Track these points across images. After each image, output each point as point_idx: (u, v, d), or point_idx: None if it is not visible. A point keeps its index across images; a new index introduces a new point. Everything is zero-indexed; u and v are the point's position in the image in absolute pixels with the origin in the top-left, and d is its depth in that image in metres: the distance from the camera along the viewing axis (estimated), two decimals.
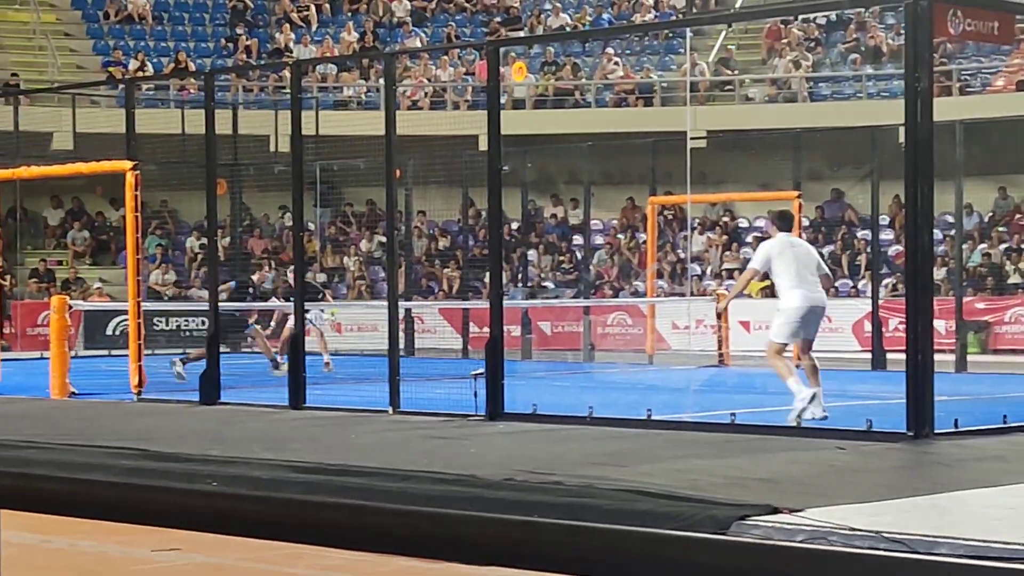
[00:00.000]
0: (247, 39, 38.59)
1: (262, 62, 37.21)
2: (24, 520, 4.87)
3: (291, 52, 37.28)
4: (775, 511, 8.94)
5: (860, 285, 31.05)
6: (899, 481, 11.18)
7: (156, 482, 10.31)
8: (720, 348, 25.54)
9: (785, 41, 36.64)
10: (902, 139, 13.66)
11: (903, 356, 13.40)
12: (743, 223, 34.82)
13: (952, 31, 14.08)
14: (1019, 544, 7.98)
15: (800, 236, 26.22)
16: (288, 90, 20.14)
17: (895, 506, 9.49)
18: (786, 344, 15.99)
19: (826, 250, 33.00)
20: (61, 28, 39.12)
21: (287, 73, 23.13)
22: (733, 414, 14.78)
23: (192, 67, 36.66)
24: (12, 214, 31.37)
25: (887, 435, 13.04)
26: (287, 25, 38.99)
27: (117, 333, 29.41)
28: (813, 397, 15.06)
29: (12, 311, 29.91)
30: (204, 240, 29.42)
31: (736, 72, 36.59)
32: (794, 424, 14.56)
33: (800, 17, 35.57)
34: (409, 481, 10.63)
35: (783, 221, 16.63)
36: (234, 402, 17.83)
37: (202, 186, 19.29)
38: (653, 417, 14.94)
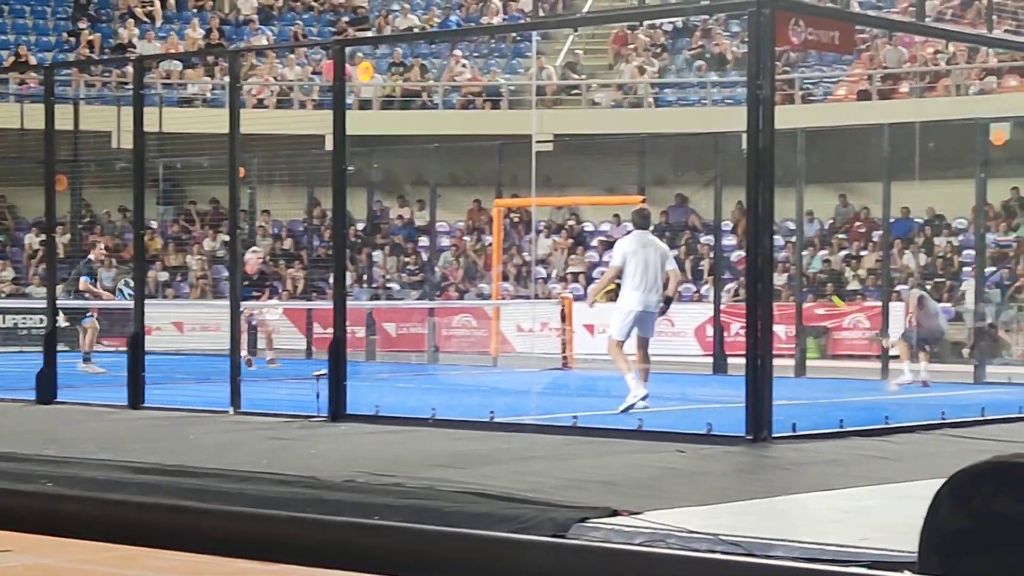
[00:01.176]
0: (90, 33, 38.04)
1: (105, 57, 36.70)
2: None
3: (135, 48, 36.80)
4: (615, 513, 8.99)
5: (703, 290, 31.36)
6: (737, 484, 11.30)
7: None
8: (564, 351, 25.66)
9: (631, 47, 36.90)
10: (744, 145, 13.81)
11: (744, 360, 13.55)
12: (588, 227, 35.00)
13: (794, 40, 14.27)
14: (853, 547, 8.09)
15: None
16: (131, 86, 19.88)
17: (733, 509, 9.58)
18: (623, 340, 16.78)
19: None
20: None
21: (130, 69, 22.81)
22: (575, 417, 14.85)
23: (33, 61, 36.05)
24: None
25: (727, 438, 13.17)
26: (131, 20, 38.50)
27: None
28: (646, 397, 15.99)
29: None
30: (43, 237, 28.96)
31: (583, 76, 36.78)
32: (620, 412, 15.48)
33: (646, 23, 35.86)
34: (248, 482, 10.54)
35: (642, 219, 17.64)
36: (71, 401, 17.56)
37: (41, 182, 18.98)
38: (496, 419, 14.97)
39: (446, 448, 12.80)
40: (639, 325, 16.81)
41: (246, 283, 24.20)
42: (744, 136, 13.73)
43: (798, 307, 25.41)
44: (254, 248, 26.07)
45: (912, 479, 10.60)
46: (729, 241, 30.78)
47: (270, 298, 25.67)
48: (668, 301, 17.22)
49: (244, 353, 22.69)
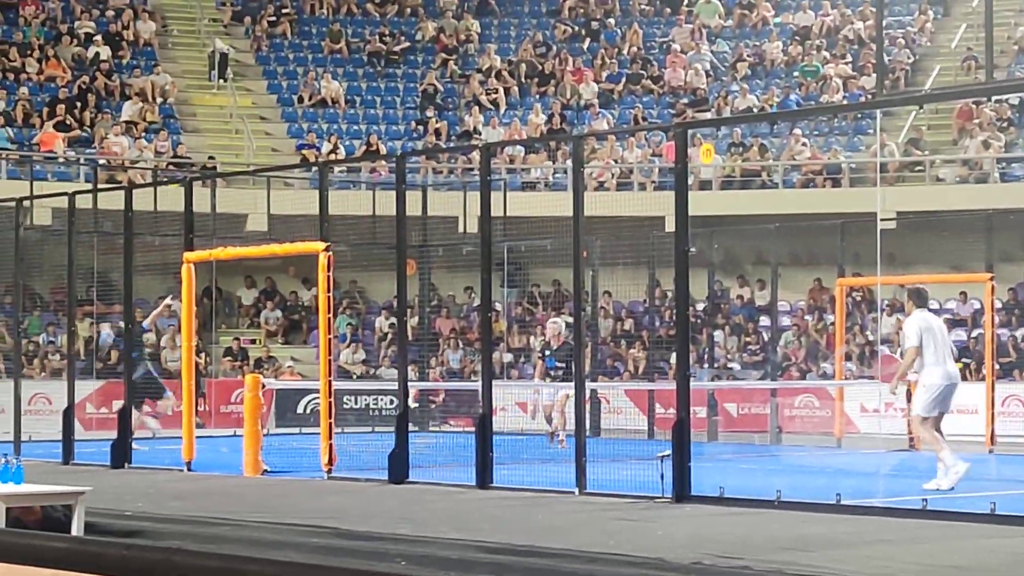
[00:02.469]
0: (437, 122, 39.12)
1: (451, 144, 37.67)
2: None
3: (480, 134, 37.70)
4: None
5: None
6: None
7: (346, 562, 10.46)
8: (910, 432, 25.17)
9: (976, 121, 36.20)
10: None
11: None
12: (934, 305, 34.34)
13: None
14: None
15: (993, 319, 25.87)
16: (477, 171, 20.38)
17: None
18: (928, 418, 17.14)
19: (1019, 333, 32.40)
20: (256, 112, 40.02)
21: (476, 155, 23.40)
22: (925, 499, 14.57)
23: (383, 150, 37.26)
24: (208, 294, 32.03)
25: None
26: (476, 108, 39.46)
27: (308, 411, 29.86)
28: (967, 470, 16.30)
29: (207, 389, 30.49)
30: (393, 320, 29.79)
31: (926, 153, 36.22)
32: (934, 488, 15.78)
33: (993, 98, 35.16)
34: (596, 563, 10.64)
35: (920, 298, 17.91)
36: (422, 481, 17.96)
37: (392, 267, 19.55)
38: (842, 502, 14.77)
39: (793, 531, 12.70)
40: (942, 400, 17.16)
41: (548, 353, 24.42)
42: None
43: None
44: (553, 320, 26.28)
45: None
46: None
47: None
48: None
49: (552, 428, 22.96)
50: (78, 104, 37.40)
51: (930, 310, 18.22)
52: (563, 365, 24.65)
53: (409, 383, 20.88)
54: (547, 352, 24.54)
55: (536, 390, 24.94)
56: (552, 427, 24.43)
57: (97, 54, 39.28)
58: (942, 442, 16.84)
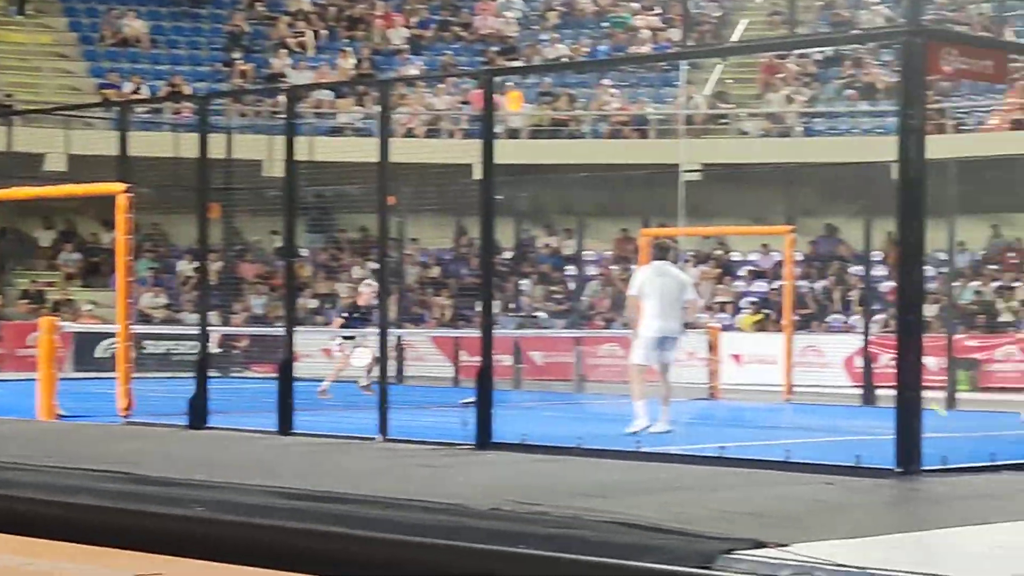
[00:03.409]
0: (243, 64, 38.62)
1: (258, 87, 37.23)
2: (7, 542, 4.84)
3: (287, 78, 37.30)
4: (761, 545, 8.91)
5: (851, 321, 31.06)
6: (886, 517, 11.16)
7: (141, 506, 10.28)
8: (711, 381, 25.54)
9: (781, 76, 36.71)
10: (895, 175, 13.66)
11: (893, 392, 13.39)
12: (736, 256, 34.83)
13: (947, 69, 14.10)
14: None
15: (793, 271, 26.29)
16: (283, 115, 20.14)
17: (882, 542, 9.47)
18: (643, 365, 17.76)
19: (818, 285, 33.02)
20: (56, 50, 39.15)
21: (282, 98, 23.13)
22: (722, 447, 14.76)
23: (187, 91, 36.68)
24: (3, 234, 31.35)
25: (875, 471, 13.01)
26: (283, 51, 39.03)
27: (106, 356, 29.38)
28: (646, 428, 16.97)
29: (2, 331, 29.87)
30: (196, 264, 29.41)
31: (732, 106, 36.65)
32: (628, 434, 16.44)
33: (797, 52, 35.67)
34: (395, 509, 10.59)
35: (659, 251, 18.90)
36: (222, 427, 17.77)
37: (195, 210, 19.27)
38: (642, 449, 14.92)
39: (592, 477, 12.78)
40: (659, 351, 17.72)
41: (356, 315, 24.38)
42: (895, 166, 13.59)
43: (949, 339, 25.09)
44: (368, 281, 26.26)
45: None
46: (879, 272, 30.44)
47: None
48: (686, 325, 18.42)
49: (325, 384, 22.93)
50: None
51: (674, 264, 18.94)
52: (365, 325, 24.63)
53: (211, 328, 20.65)
54: (355, 314, 24.44)
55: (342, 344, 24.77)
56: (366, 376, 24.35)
57: None
58: (644, 393, 17.52)
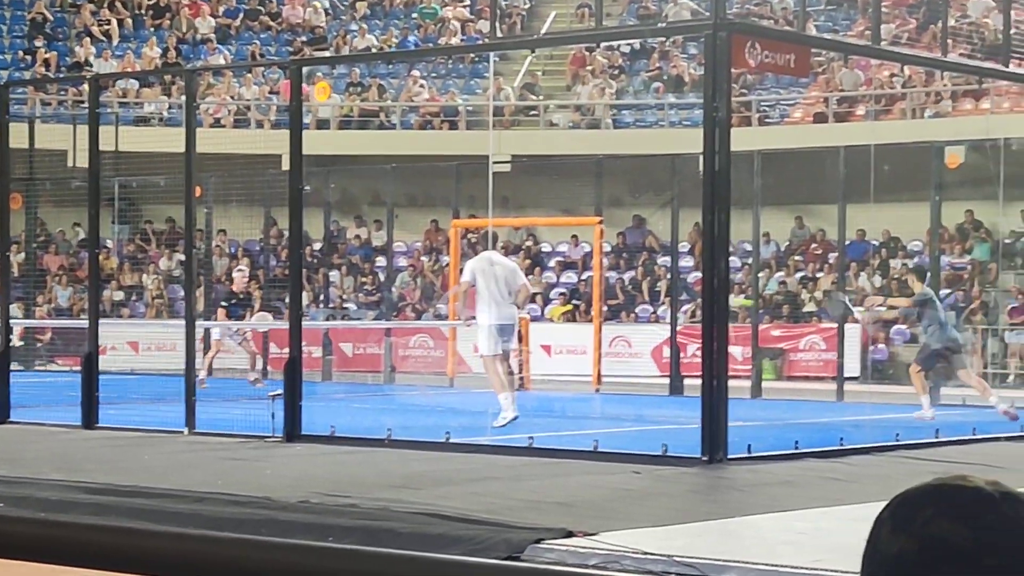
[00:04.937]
0: (46, 52, 37.90)
1: (61, 75, 36.56)
2: None
3: (91, 66, 36.68)
4: (570, 535, 8.98)
5: (660, 311, 31.41)
6: (692, 505, 11.31)
7: None
8: (521, 371, 25.65)
9: (589, 68, 36.99)
10: (701, 167, 13.85)
11: (700, 382, 13.57)
12: (546, 247, 35.03)
13: (751, 62, 14.32)
14: (806, 568, 8.11)
15: (601, 261, 26.54)
16: (87, 105, 19.82)
17: (688, 530, 9.59)
18: (496, 356, 17.68)
19: (627, 276, 33.33)
20: None
21: (86, 87, 22.75)
22: (531, 438, 14.85)
23: None
24: None
25: (682, 460, 13.19)
26: (87, 39, 38.37)
27: None
28: (515, 419, 16.93)
29: None
30: None
31: (541, 97, 36.85)
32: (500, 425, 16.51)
33: (604, 45, 35.95)
34: (202, 503, 10.49)
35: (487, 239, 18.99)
36: (25, 421, 17.45)
37: None
38: (452, 440, 14.96)
39: (401, 469, 12.78)
40: (501, 337, 17.81)
41: (233, 301, 24.21)
42: (701, 158, 13.77)
43: (754, 329, 25.51)
44: (240, 267, 26.16)
45: (867, 501, 10.63)
46: (686, 263, 30.84)
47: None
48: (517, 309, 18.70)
49: (203, 375, 22.70)
50: None
51: (507, 254, 19.18)
52: (243, 313, 24.54)
53: (14, 321, 20.25)
54: (232, 300, 24.31)
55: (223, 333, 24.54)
56: (253, 371, 24.33)
57: None
58: (506, 383, 17.49)
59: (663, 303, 31.29)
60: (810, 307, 31.03)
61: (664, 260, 31.69)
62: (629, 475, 12.38)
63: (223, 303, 24.69)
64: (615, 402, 22.54)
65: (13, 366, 18.60)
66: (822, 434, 15.84)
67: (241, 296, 24.43)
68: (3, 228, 18.80)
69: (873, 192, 23.32)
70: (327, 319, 30.84)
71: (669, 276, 29.42)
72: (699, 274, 25.50)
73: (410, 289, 33.78)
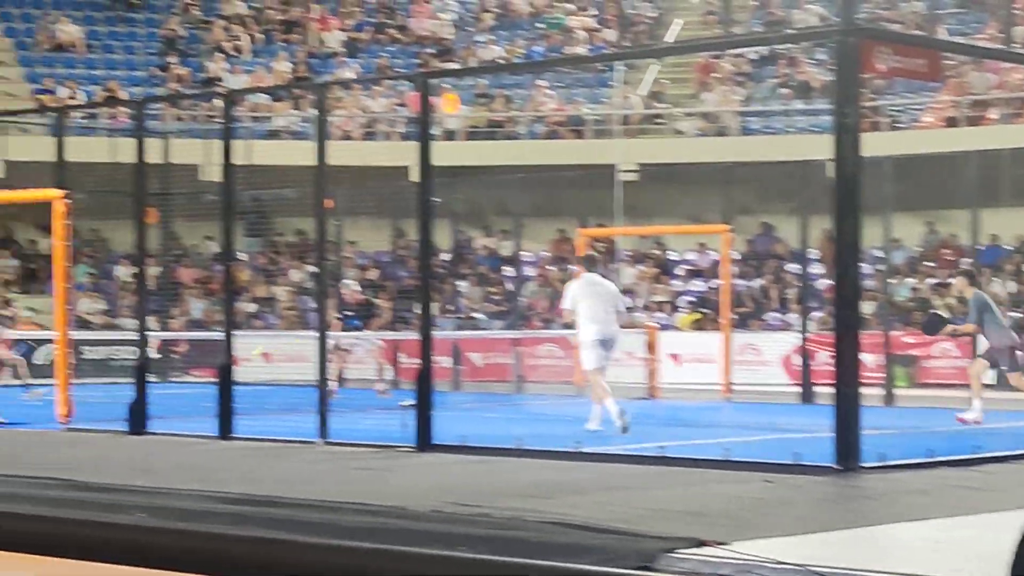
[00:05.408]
0: (179, 68, 38.46)
1: (194, 91, 37.08)
2: None
3: (223, 82, 37.17)
4: (701, 544, 8.96)
5: (789, 318, 31.21)
6: (826, 514, 11.24)
7: (81, 513, 10.23)
8: (649, 380, 25.61)
9: (716, 75, 36.86)
10: (831, 173, 13.76)
11: (831, 389, 13.48)
12: (673, 256, 34.95)
13: (880, 67, 14.21)
14: None
15: (730, 269, 26.43)
16: (219, 119, 20.09)
17: (822, 539, 9.53)
18: (601, 368, 18.31)
19: (755, 283, 33.17)
20: None
21: (219, 102, 23.06)
22: (662, 447, 14.82)
23: (123, 95, 36.49)
24: None
25: (814, 468, 13.10)
26: (219, 55, 38.89)
27: (47, 363, 29.15)
28: (601, 432, 17.30)
29: None
30: (134, 269, 29.25)
31: (667, 105, 36.77)
32: (592, 430, 17.30)
33: (731, 52, 35.82)
34: (336, 512, 10.59)
35: (588, 263, 19.55)
36: (163, 432, 17.71)
37: (132, 215, 19.19)
38: (581, 449, 14.96)
39: (532, 478, 12.81)
40: (604, 352, 18.39)
41: (349, 313, 24.47)
42: (830, 164, 13.68)
43: (886, 336, 25.25)
44: (345, 281, 26.46)
45: (1004, 509, 10.51)
46: (816, 269, 30.63)
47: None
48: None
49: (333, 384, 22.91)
50: None
51: (600, 273, 19.66)
52: (361, 324, 24.91)
53: (150, 333, 20.56)
54: (347, 312, 24.69)
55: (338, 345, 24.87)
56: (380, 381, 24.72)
57: None
58: (608, 394, 17.94)
59: (792, 310, 31.10)
60: (943, 313, 30.67)
61: (793, 267, 31.49)
62: (761, 484, 12.32)
63: (337, 315, 24.92)
64: (745, 410, 22.43)
65: (150, 378, 18.88)
66: (957, 442, 15.66)
67: (357, 307, 24.62)
68: (140, 242, 19.10)
69: (1007, 196, 23.10)
70: (456, 329, 30.99)
71: (798, 283, 29.22)
72: (829, 281, 25.33)
73: (538, 299, 33.85)
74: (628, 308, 32.40)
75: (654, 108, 36.60)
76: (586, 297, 18.39)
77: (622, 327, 19.53)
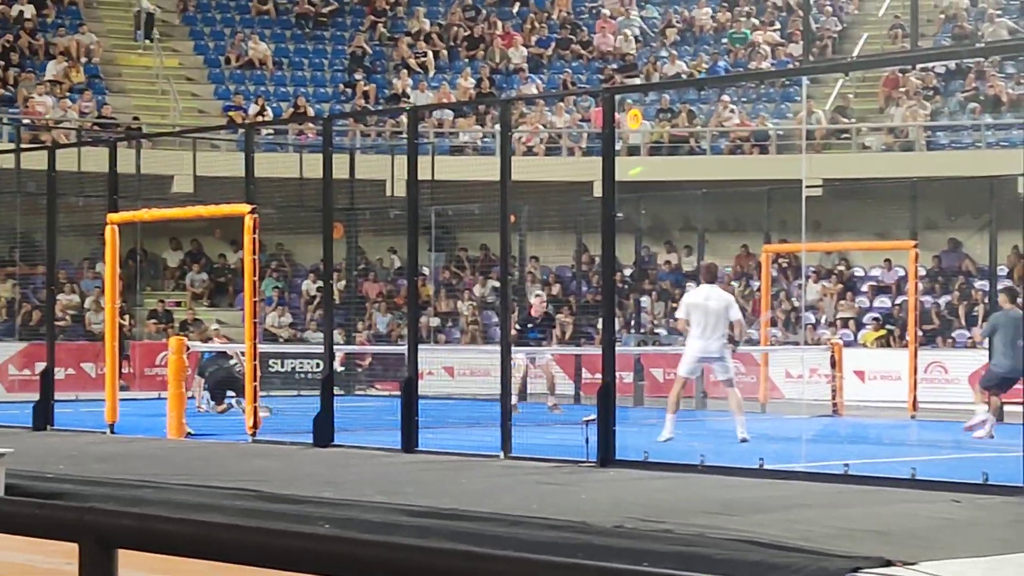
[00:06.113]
0: (365, 84, 38.95)
1: (380, 107, 37.53)
2: (140, 560, 4.94)
3: (408, 98, 37.57)
4: (888, 564, 8.86)
5: (977, 336, 30.68)
6: (1016, 535, 11.04)
7: (270, 524, 10.41)
8: (834, 398, 25.35)
9: (903, 89, 36.40)
10: (1021, 189, 13.53)
11: (1022, 408, 13.24)
12: (859, 272, 34.56)
13: None
14: None
15: (917, 286, 26.06)
16: (405, 135, 20.31)
17: (1012, 561, 9.37)
18: (687, 379, 19.62)
19: (943, 300, 32.67)
20: (183, 72, 39.72)
21: (404, 118, 23.30)
22: (846, 465, 14.67)
23: (311, 112, 37.07)
24: (132, 255, 31.79)
25: (1004, 488, 12.87)
26: (405, 71, 39.31)
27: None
28: (668, 440, 18.00)
29: (131, 351, 30.30)
30: (320, 283, 29.67)
31: (853, 120, 36.40)
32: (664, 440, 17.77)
33: (918, 66, 35.36)
34: (519, 526, 10.65)
35: (708, 274, 20.13)
36: (347, 444, 17.93)
37: (319, 230, 19.47)
38: (765, 466, 14.86)
39: (716, 495, 12.76)
40: (701, 367, 19.68)
41: (530, 325, 24.55)
42: (1021, 179, 13.46)
43: None
44: (537, 292, 26.54)
45: None
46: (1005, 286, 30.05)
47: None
48: (735, 344, 19.93)
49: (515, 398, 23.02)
50: (1, 63, 36.99)
51: (720, 284, 20.48)
52: (543, 337, 25.09)
53: (335, 347, 20.83)
54: (529, 324, 24.86)
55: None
56: (552, 396, 24.95)
57: (21, 12, 38.83)
58: (676, 406, 18.89)
59: (980, 327, 30.57)
60: None
61: (981, 284, 30.97)
62: (949, 504, 12.13)
63: (517, 326, 25.00)
64: (932, 429, 22.10)
65: (335, 391, 19.12)
66: None
67: (539, 320, 24.67)
68: (326, 256, 19.38)
69: None
70: (638, 344, 30.94)
71: (987, 300, 28.72)
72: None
73: None
74: (812, 324, 32.30)
75: (839, 123, 36.24)
76: (695, 311, 18.91)
77: (741, 337, 20.21)
